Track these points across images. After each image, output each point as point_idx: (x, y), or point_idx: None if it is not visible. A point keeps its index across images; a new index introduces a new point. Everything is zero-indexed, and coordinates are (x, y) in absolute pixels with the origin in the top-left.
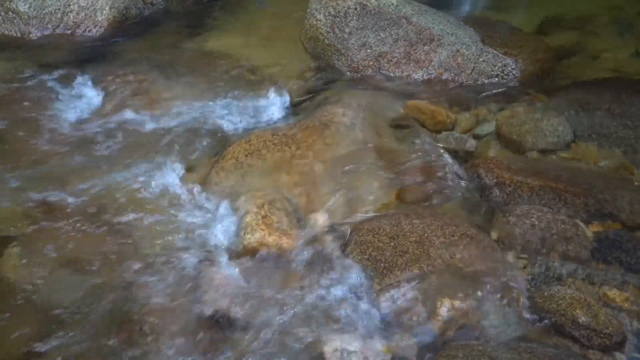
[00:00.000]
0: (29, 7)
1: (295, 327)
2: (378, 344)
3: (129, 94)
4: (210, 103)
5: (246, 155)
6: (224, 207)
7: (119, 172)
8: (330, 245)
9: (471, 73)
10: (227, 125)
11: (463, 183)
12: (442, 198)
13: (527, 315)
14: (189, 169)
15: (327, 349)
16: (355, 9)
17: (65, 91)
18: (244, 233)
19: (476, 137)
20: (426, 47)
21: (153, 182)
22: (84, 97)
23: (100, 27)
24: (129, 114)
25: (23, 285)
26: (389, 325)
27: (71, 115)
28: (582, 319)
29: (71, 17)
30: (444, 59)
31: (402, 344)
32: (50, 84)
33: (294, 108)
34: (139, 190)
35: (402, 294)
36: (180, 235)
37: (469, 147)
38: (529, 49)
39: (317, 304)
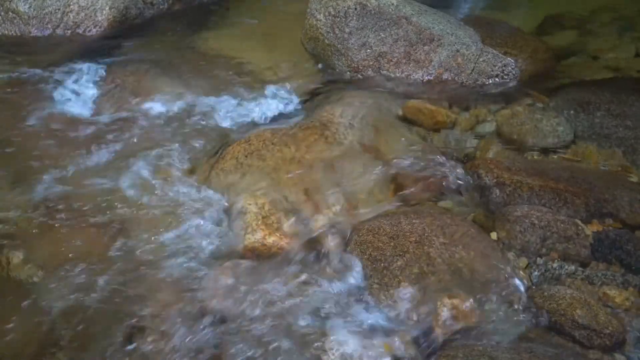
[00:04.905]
0: (29, 7)
1: (295, 327)
2: (378, 344)
3: (129, 94)
4: (210, 103)
5: (246, 156)
6: (224, 207)
7: (119, 171)
8: (330, 245)
9: (471, 73)
10: (226, 125)
11: (463, 183)
12: (442, 198)
13: (527, 315)
14: (188, 169)
15: (327, 348)
16: (355, 9)
17: (64, 90)
18: (244, 233)
19: (476, 137)
20: (426, 47)
21: (153, 182)
22: (83, 97)
23: (100, 27)
24: (128, 114)
25: (24, 284)
26: (388, 325)
27: (70, 114)
28: (582, 319)
29: (71, 17)
30: (444, 59)
31: (402, 344)
32: (49, 83)
33: (294, 108)
34: (139, 189)
35: (402, 294)
36: (180, 235)
37: (468, 147)
38: (529, 49)
39: (317, 303)
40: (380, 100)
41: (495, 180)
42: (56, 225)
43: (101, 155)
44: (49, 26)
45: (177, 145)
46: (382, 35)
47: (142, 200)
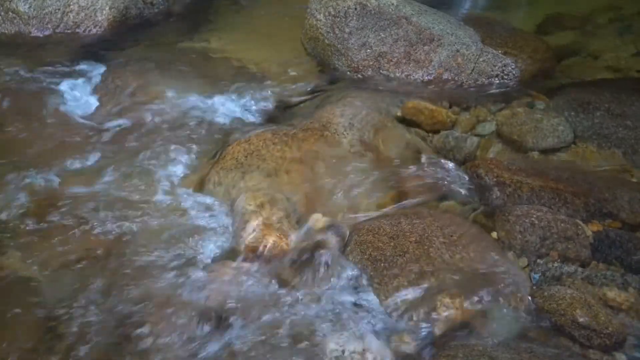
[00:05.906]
0: (29, 7)
1: (295, 327)
2: (378, 344)
3: (129, 94)
4: (210, 103)
5: (246, 156)
6: (223, 207)
7: (119, 171)
8: (330, 245)
9: (471, 73)
10: (226, 125)
11: (463, 183)
12: (442, 198)
13: (527, 315)
14: (188, 169)
15: (327, 348)
16: (355, 9)
17: (64, 91)
18: (244, 233)
19: (476, 137)
20: (426, 47)
21: (152, 183)
22: (83, 97)
23: (100, 27)
24: (127, 114)
25: (24, 284)
26: (388, 325)
27: (71, 114)
28: (582, 319)
29: (71, 17)
30: (444, 59)
31: (402, 344)
32: (49, 83)
33: (294, 108)
34: (139, 189)
35: (402, 294)
36: (180, 236)
37: (468, 147)
38: (529, 49)
39: (317, 304)
40: (380, 101)
41: (495, 180)
42: (56, 225)
43: (101, 156)
44: (49, 26)
45: (177, 145)
46: (382, 35)
47: (142, 201)
